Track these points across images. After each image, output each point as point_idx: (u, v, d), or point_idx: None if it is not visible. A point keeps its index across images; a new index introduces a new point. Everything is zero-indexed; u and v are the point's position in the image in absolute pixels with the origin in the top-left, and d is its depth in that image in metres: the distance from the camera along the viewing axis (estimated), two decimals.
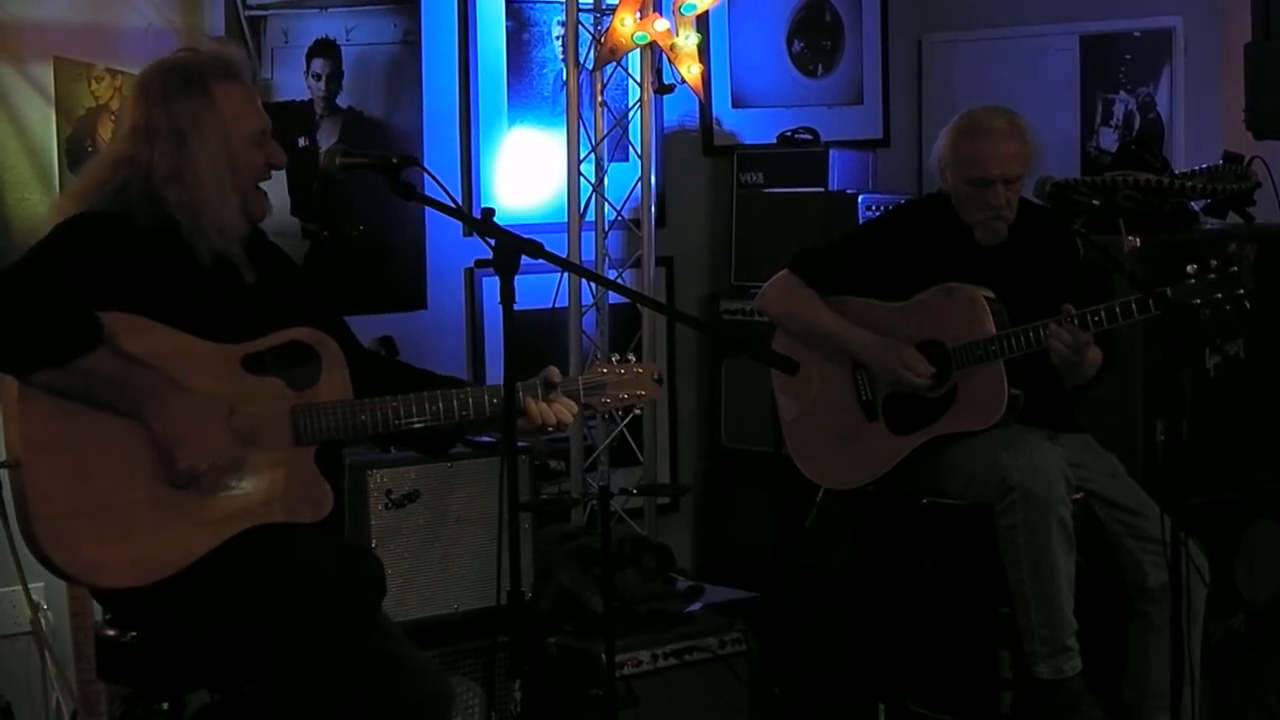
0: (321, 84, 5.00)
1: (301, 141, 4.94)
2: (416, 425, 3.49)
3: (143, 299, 3.36)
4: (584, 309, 5.32)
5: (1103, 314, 4.22)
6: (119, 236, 3.38)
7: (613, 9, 5.16)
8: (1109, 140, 5.86)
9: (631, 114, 5.42)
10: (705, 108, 5.80)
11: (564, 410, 3.54)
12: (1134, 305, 4.18)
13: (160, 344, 3.34)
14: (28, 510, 3.29)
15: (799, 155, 5.68)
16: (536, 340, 5.29)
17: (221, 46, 3.74)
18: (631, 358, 3.65)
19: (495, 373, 5.24)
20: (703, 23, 5.49)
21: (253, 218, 3.54)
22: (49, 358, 3.25)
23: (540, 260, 3.25)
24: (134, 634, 3.48)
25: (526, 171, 5.42)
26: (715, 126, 5.88)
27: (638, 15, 5.14)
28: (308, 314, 3.54)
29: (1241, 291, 4.07)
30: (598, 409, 3.64)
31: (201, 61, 3.51)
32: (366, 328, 3.80)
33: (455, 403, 3.49)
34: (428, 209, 4.16)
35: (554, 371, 3.57)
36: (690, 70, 5.21)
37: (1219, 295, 4.08)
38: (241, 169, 3.47)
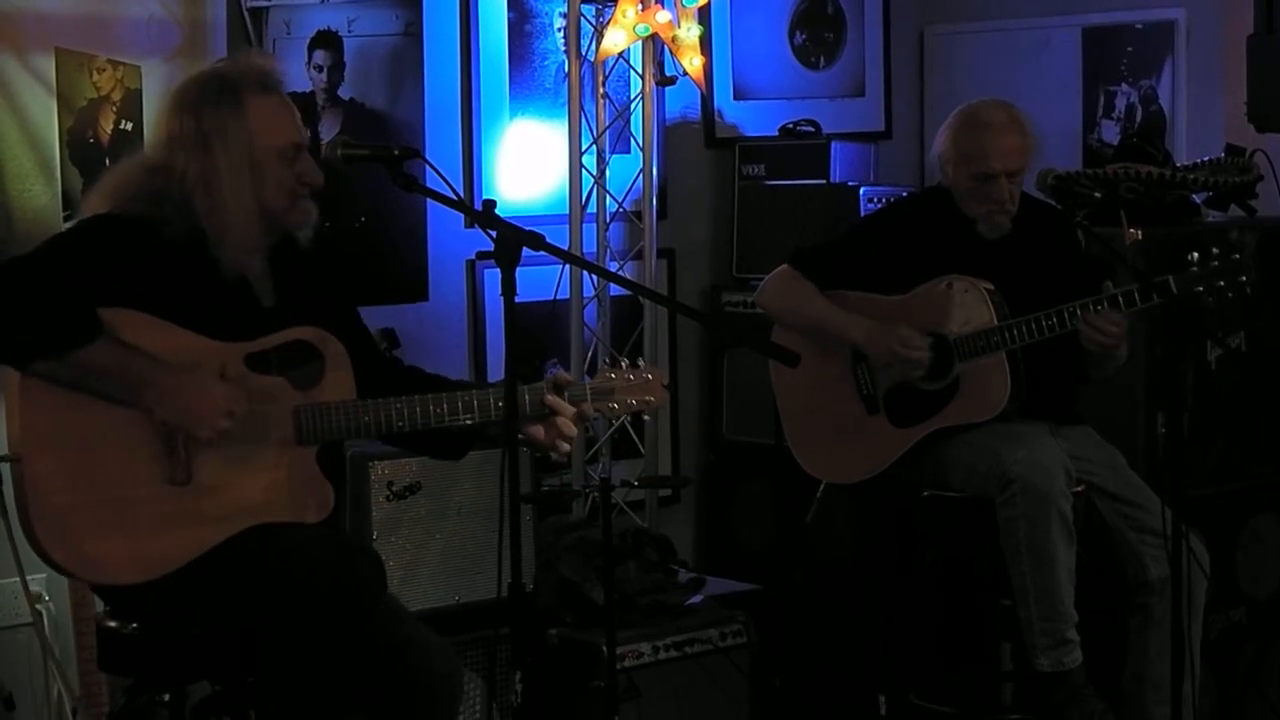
0: (323, 75, 4.99)
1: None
2: (420, 428, 3.48)
3: (154, 306, 3.35)
4: (585, 301, 5.32)
5: (1105, 304, 4.22)
6: (140, 242, 3.36)
7: (614, 0, 5.16)
8: (1111, 133, 5.85)
9: (633, 106, 5.42)
10: (707, 100, 5.80)
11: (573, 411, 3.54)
12: (1136, 294, 4.18)
13: (163, 340, 3.34)
14: (28, 505, 3.28)
15: (801, 148, 5.68)
16: (538, 332, 5.29)
17: (261, 59, 3.72)
18: (641, 363, 3.63)
19: (496, 364, 5.24)
20: (704, 15, 5.49)
21: (291, 228, 3.51)
22: (43, 349, 3.25)
23: (541, 252, 3.24)
24: (135, 626, 3.48)
25: (528, 163, 5.41)
26: (717, 119, 5.87)
27: (639, 7, 5.13)
28: (321, 326, 3.51)
29: (1244, 278, 4.07)
30: (606, 414, 3.61)
31: (239, 71, 3.50)
32: (368, 319, 3.80)
33: (460, 405, 3.48)
34: (429, 201, 4.15)
35: (564, 375, 3.58)
36: (692, 62, 5.21)
37: (1222, 283, 4.08)
38: (269, 184, 3.44)
